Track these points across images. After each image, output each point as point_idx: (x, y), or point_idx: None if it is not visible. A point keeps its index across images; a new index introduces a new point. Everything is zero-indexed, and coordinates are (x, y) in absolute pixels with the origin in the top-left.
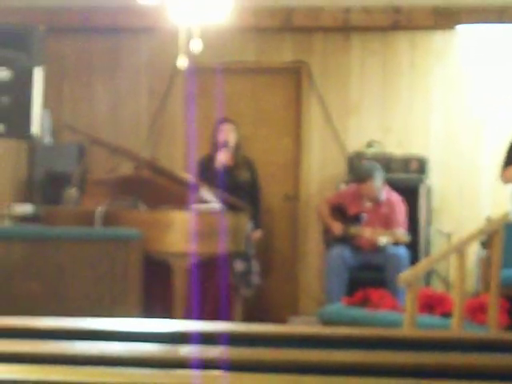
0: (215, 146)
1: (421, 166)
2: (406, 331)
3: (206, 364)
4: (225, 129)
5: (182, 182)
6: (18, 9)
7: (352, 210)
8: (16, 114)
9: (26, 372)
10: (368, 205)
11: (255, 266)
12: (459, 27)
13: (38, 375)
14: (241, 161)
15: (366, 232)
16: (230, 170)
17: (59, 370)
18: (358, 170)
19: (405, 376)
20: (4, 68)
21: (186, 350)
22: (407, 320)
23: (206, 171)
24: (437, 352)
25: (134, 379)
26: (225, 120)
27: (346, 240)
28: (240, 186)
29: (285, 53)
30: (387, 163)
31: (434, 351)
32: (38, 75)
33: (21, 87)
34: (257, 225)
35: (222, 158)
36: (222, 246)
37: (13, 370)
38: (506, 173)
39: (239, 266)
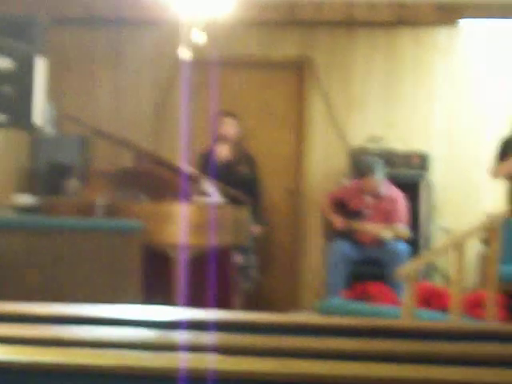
0: (215, 139)
1: (422, 161)
2: (402, 321)
3: (197, 348)
4: (225, 122)
5: (183, 175)
6: None
7: (354, 205)
8: (18, 105)
9: (21, 353)
10: (369, 200)
11: (254, 259)
12: (463, 22)
13: (33, 357)
14: (241, 155)
15: (367, 226)
16: (229, 164)
17: (54, 351)
18: (359, 164)
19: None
20: (6, 57)
21: (179, 335)
22: (405, 314)
23: (206, 164)
24: (432, 341)
25: (126, 361)
26: (225, 113)
27: (347, 234)
28: (240, 181)
29: (288, 47)
30: (389, 158)
31: (429, 340)
32: (41, 65)
33: (23, 77)
34: (257, 220)
35: (222, 152)
36: (222, 239)
37: (9, 352)
38: (497, 168)
39: (239, 259)
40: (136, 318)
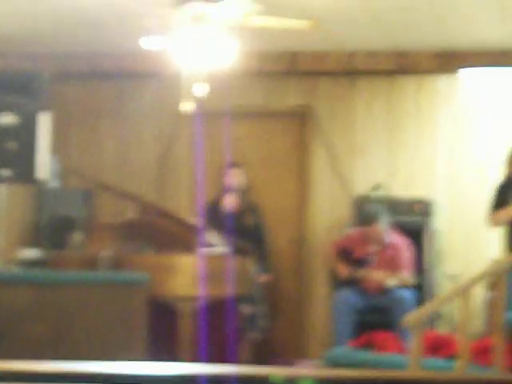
0: (222, 190)
1: (426, 208)
2: (410, 372)
3: None
4: (232, 173)
5: (188, 226)
6: (23, 54)
7: (358, 253)
8: (22, 159)
9: None
10: (374, 248)
11: (262, 309)
12: (462, 70)
13: None
14: (247, 205)
15: (372, 274)
16: (236, 215)
17: None
18: (363, 213)
19: None
20: (10, 113)
21: None
22: (412, 362)
23: (213, 215)
24: None
25: None
26: (232, 164)
27: (352, 283)
28: (246, 231)
29: (290, 97)
30: (393, 206)
31: None
32: (44, 120)
33: (27, 132)
34: (264, 269)
35: (229, 203)
36: (228, 289)
37: None
38: (494, 216)
39: (246, 309)
40: (142, 373)
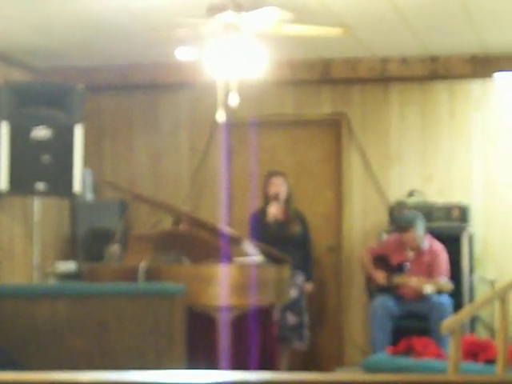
0: (266, 200)
1: (462, 214)
2: (449, 376)
3: None
4: (275, 182)
5: (223, 236)
6: (57, 68)
7: (395, 260)
8: (57, 172)
9: None
10: (410, 254)
11: (307, 318)
12: (497, 75)
13: None
14: (292, 214)
15: (409, 281)
16: (281, 224)
17: None
18: (399, 219)
19: None
20: (45, 127)
21: None
22: (451, 367)
23: (259, 225)
24: None
25: None
26: (275, 173)
27: (389, 289)
28: (292, 240)
29: (323, 105)
30: (429, 212)
31: None
32: (79, 133)
33: (61, 145)
34: (309, 277)
35: (273, 212)
36: (264, 298)
37: None
38: None
39: (291, 318)
40: (181, 381)
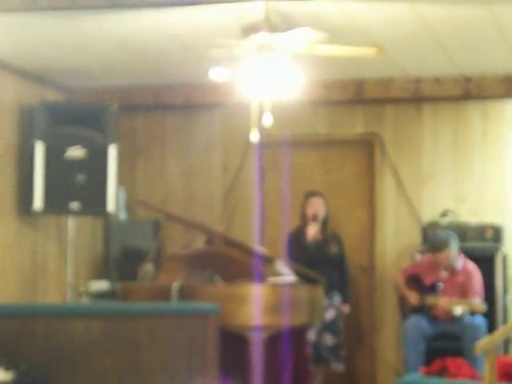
0: (304, 220)
1: (496, 234)
2: None
3: None
4: (314, 202)
5: (256, 256)
6: (91, 88)
7: (428, 280)
8: (91, 192)
9: None
10: (444, 274)
11: (343, 339)
12: None
13: None
14: (330, 235)
15: (442, 302)
16: (319, 244)
17: None
18: (433, 239)
19: None
20: (79, 146)
21: None
22: None
23: (296, 245)
24: None
25: None
26: (314, 193)
27: (422, 310)
28: (329, 260)
29: (356, 125)
30: (462, 232)
31: None
32: (112, 153)
33: (95, 165)
34: (345, 299)
35: (312, 232)
36: (297, 319)
37: None
38: None
39: (329, 339)
40: None
